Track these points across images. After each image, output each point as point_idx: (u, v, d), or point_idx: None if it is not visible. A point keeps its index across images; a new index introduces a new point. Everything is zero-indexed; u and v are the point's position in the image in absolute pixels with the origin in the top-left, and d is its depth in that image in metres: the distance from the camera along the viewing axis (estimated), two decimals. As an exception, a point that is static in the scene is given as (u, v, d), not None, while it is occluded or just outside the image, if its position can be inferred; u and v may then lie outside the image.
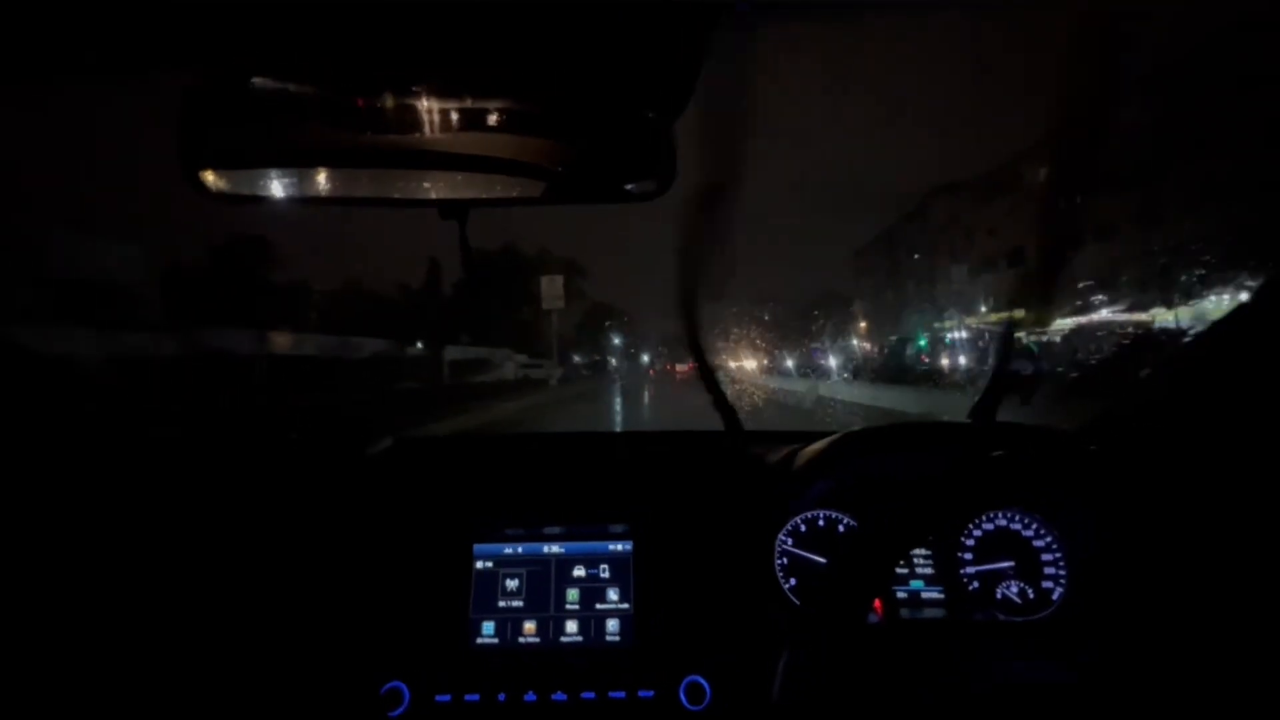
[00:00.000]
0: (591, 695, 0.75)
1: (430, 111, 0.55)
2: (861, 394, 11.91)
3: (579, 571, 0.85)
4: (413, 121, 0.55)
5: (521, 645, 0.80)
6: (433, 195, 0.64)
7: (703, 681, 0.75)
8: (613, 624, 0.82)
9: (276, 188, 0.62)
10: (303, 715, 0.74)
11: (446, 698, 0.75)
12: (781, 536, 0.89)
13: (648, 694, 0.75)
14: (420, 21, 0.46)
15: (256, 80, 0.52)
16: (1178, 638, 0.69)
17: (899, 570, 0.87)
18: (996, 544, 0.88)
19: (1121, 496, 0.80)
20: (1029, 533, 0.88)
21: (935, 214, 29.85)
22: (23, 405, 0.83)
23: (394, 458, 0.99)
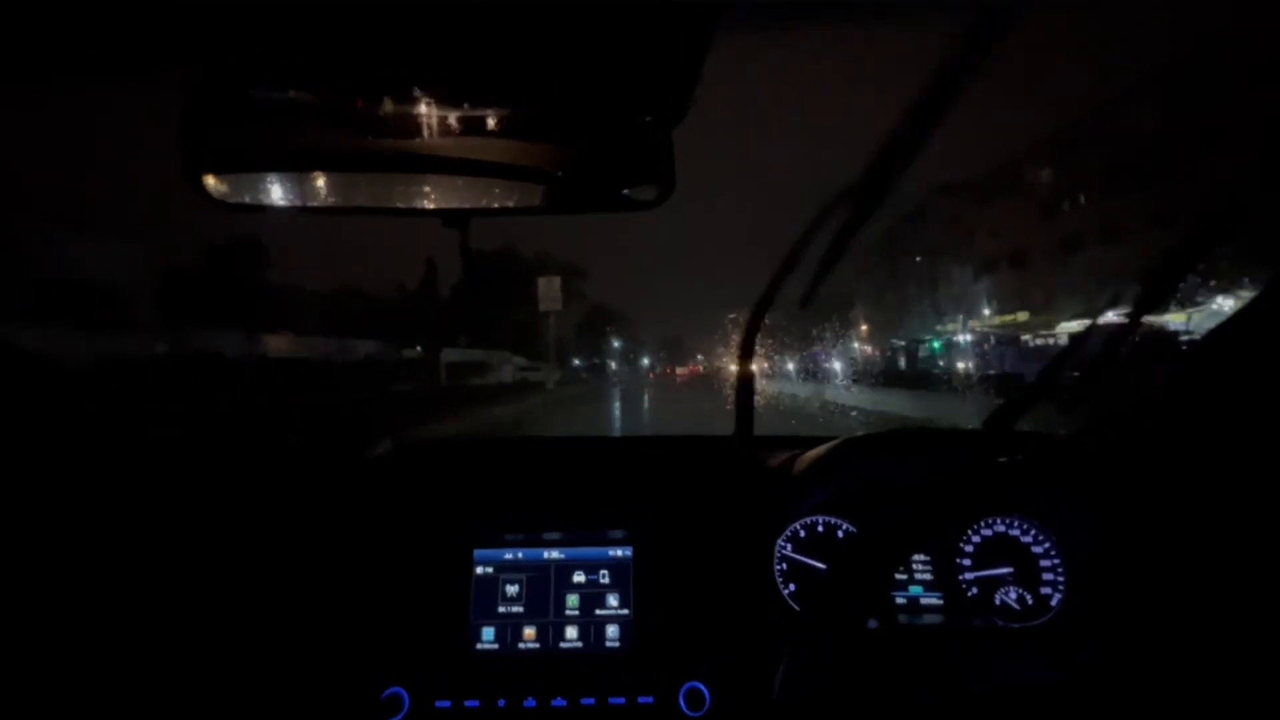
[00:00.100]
0: (591, 701, 0.76)
1: (433, 122, 0.56)
2: (880, 400, 11.42)
3: (579, 577, 0.85)
4: (416, 131, 0.56)
5: (521, 651, 0.81)
6: (435, 204, 0.65)
7: (702, 687, 0.76)
8: (612, 629, 0.82)
9: (280, 196, 0.63)
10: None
11: (446, 703, 0.75)
12: (781, 542, 0.90)
13: (647, 700, 0.76)
14: (423, 30, 0.47)
15: (259, 87, 0.53)
16: (1177, 642, 0.70)
17: (898, 576, 0.88)
18: (995, 550, 0.89)
19: (1120, 502, 0.80)
20: (1028, 539, 0.89)
21: (935, 214, 29.86)
22: (22, 406, 0.83)
23: (394, 462, 1.00)
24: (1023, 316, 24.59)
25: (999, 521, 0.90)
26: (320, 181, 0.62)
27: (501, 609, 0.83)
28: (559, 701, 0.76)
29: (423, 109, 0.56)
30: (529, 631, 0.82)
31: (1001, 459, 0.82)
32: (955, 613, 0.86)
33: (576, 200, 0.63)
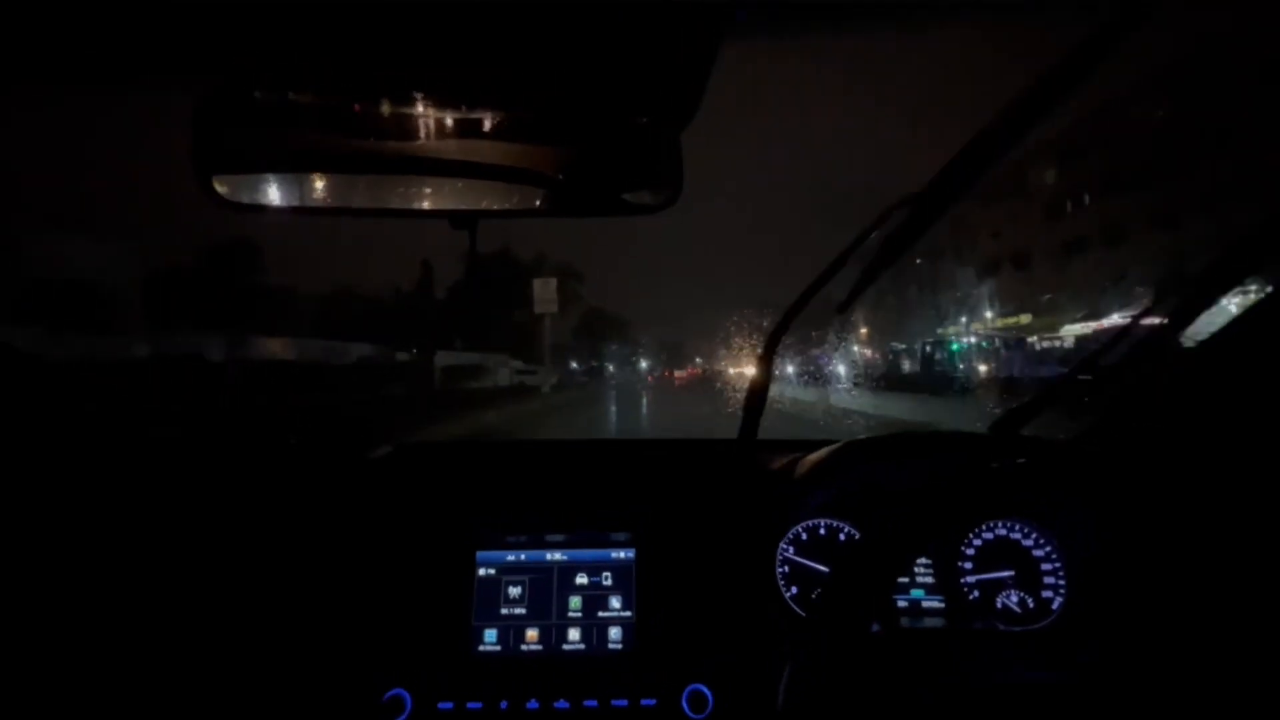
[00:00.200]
0: (594, 703, 0.77)
1: (444, 124, 0.57)
2: (899, 408, 10.53)
3: (581, 579, 0.86)
4: (427, 133, 0.58)
5: (524, 653, 0.82)
6: (444, 206, 0.66)
7: (705, 689, 0.77)
8: (615, 631, 0.83)
9: (289, 197, 0.64)
10: None
11: (449, 705, 0.76)
12: (783, 545, 0.91)
13: (650, 702, 0.77)
14: (433, 33, 0.48)
15: (272, 89, 0.54)
16: (1177, 645, 0.71)
17: (900, 579, 0.89)
18: (996, 553, 0.90)
19: (1121, 504, 0.81)
20: (1029, 542, 0.91)
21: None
22: (21, 406, 0.84)
23: (394, 464, 1.01)
24: (1025, 319, 24.64)
25: (1000, 525, 0.91)
26: (330, 182, 0.63)
27: (504, 611, 0.84)
28: (561, 703, 0.76)
29: (433, 111, 0.57)
30: (531, 633, 0.83)
31: (1002, 462, 0.83)
32: (957, 616, 0.87)
33: (585, 202, 0.64)
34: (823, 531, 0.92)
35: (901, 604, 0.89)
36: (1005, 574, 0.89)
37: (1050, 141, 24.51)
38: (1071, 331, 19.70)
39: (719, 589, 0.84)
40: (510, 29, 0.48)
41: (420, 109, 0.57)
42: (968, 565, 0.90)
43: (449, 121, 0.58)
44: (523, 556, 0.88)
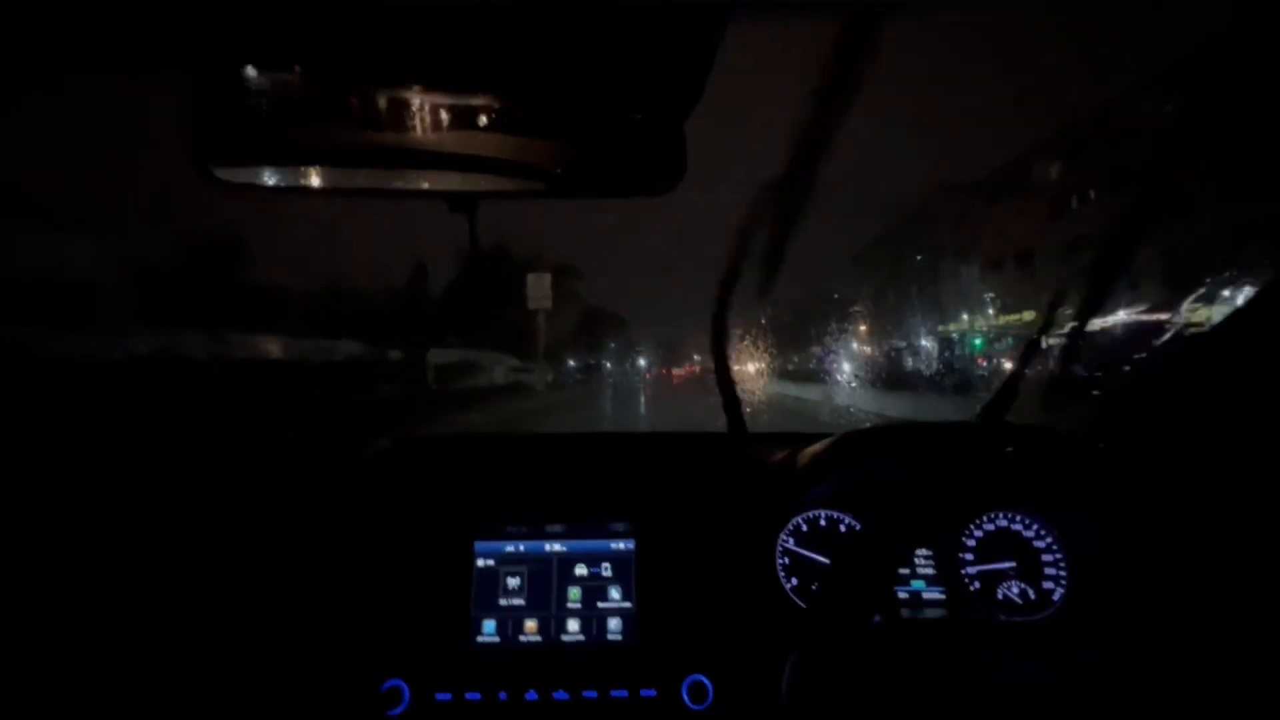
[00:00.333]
0: (593, 694, 0.78)
1: (442, 109, 0.58)
2: (924, 409, 9.91)
3: (581, 570, 0.88)
4: (425, 119, 0.58)
5: (523, 644, 0.83)
6: (442, 188, 0.67)
7: (705, 680, 0.78)
8: (615, 623, 0.84)
9: (285, 179, 0.65)
10: (303, 714, 0.77)
11: (447, 696, 0.77)
12: (783, 536, 0.92)
13: (650, 693, 0.78)
14: (431, 21, 0.49)
15: (267, 75, 0.55)
16: (1177, 637, 0.72)
17: (901, 570, 0.91)
18: (998, 544, 0.92)
19: (1123, 496, 0.83)
20: (1030, 533, 0.92)
21: (940, 214, 30.01)
22: (18, 406, 0.85)
23: (393, 457, 1.02)
24: (1029, 316, 24.71)
25: (1001, 516, 0.93)
26: (330, 167, 0.64)
27: (503, 602, 0.85)
28: (561, 694, 0.78)
29: (433, 98, 0.58)
30: (530, 624, 0.84)
31: (1003, 454, 0.85)
32: (957, 607, 0.89)
33: (586, 184, 0.65)
34: (823, 523, 0.93)
35: (903, 595, 0.90)
36: (1007, 565, 0.90)
37: (1055, 138, 24.59)
38: (1077, 328, 19.74)
39: (719, 580, 0.86)
40: (511, 16, 0.49)
41: (420, 96, 0.58)
42: (969, 557, 0.92)
43: (448, 108, 0.58)
44: (521, 547, 0.89)
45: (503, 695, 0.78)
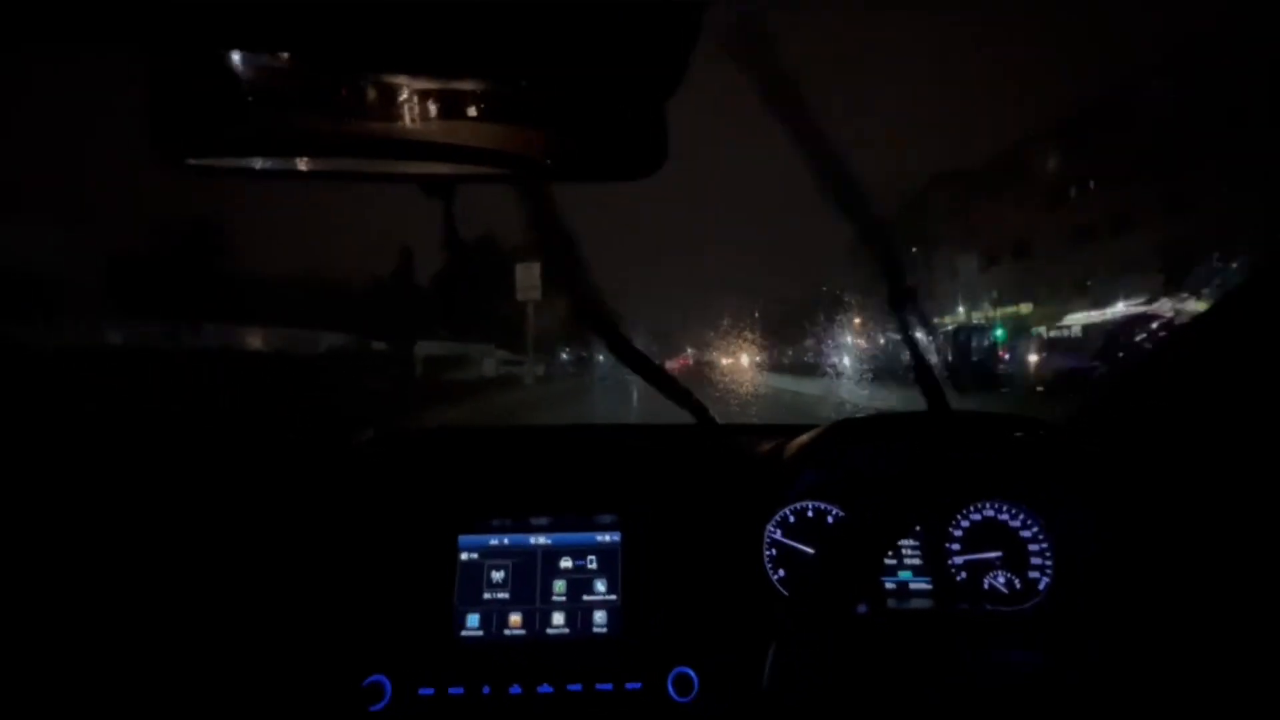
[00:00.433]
0: (578, 687, 0.78)
1: (416, 89, 0.57)
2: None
3: (566, 563, 0.88)
4: (398, 99, 0.57)
5: (507, 637, 0.83)
6: (416, 171, 0.65)
7: (690, 672, 0.79)
8: (600, 615, 0.85)
9: (254, 162, 0.63)
10: (282, 709, 0.77)
11: (430, 691, 0.77)
12: (770, 527, 0.93)
13: (635, 685, 0.79)
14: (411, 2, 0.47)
15: (234, 56, 0.53)
16: (1164, 626, 0.73)
17: (888, 561, 0.92)
18: (984, 535, 0.93)
19: (1110, 485, 0.84)
20: (1016, 523, 0.94)
21: (935, 205, 30.16)
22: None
23: (377, 449, 1.01)
24: (1026, 309, 24.93)
25: (988, 506, 0.94)
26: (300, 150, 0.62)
27: (487, 595, 0.85)
28: (545, 688, 0.78)
29: (408, 81, 0.56)
30: (515, 618, 0.84)
31: (991, 443, 0.85)
32: (944, 597, 0.90)
33: (564, 169, 0.64)
34: (810, 514, 0.94)
35: (889, 586, 0.91)
36: (993, 555, 0.92)
37: (1054, 127, 24.70)
38: (1074, 320, 19.85)
39: (705, 572, 0.86)
40: None
41: (393, 79, 0.56)
42: (955, 547, 0.93)
43: (422, 91, 0.57)
44: (506, 540, 0.89)
45: (486, 689, 0.78)
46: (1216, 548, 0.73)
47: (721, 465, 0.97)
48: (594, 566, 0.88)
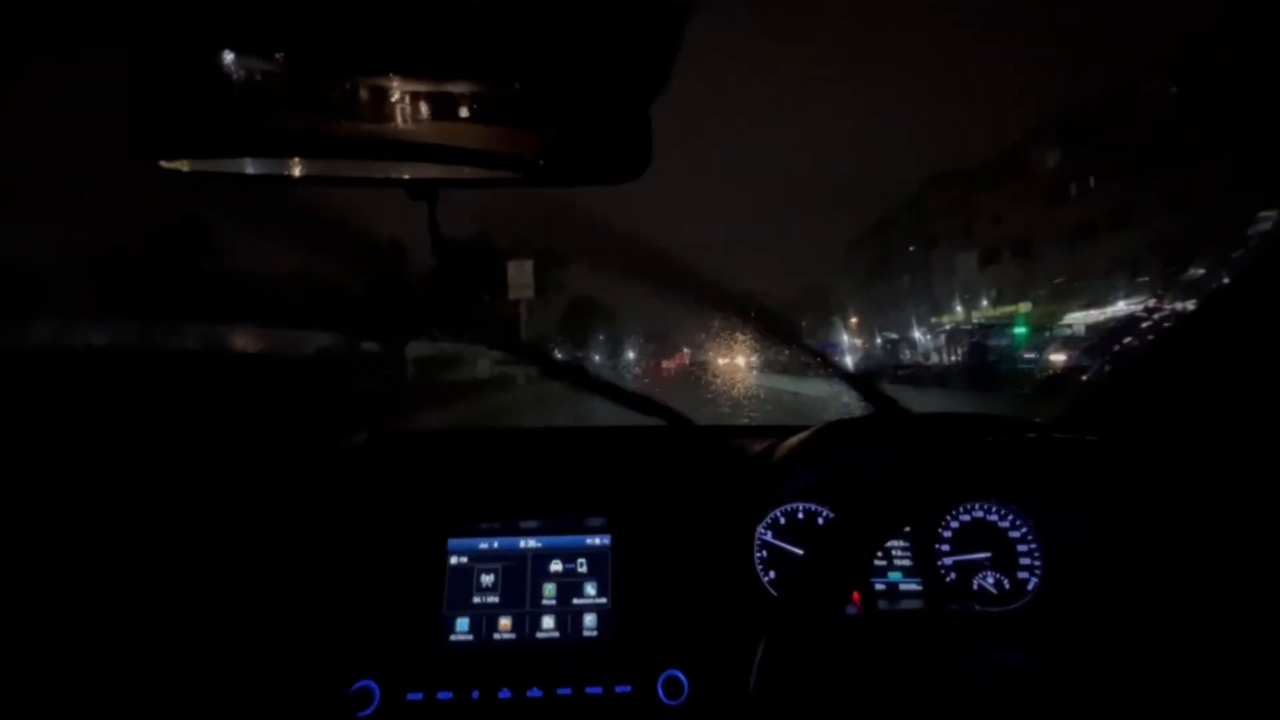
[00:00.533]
0: (568, 691, 0.79)
1: (401, 92, 0.57)
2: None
3: (556, 566, 0.88)
4: (383, 102, 0.57)
5: (497, 642, 0.84)
6: (399, 175, 0.65)
7: (680, 676, 0.79)
8: (590, 619, 0.85)
9: (238, 166, 0.63)
10: (270, 714, 0.77)
11: (418, 696, 0.77)
12: (761, 529, 0.94)
13: (625, 689, 0.79)
14: (395, 3, 0.47)
15: (219, 56, 0.53)
16: (1158, 624, 0.74)
17: (878, 562, 0.93)
18: (974, 535, 0.95)
19: (1103, 484, 0.85)
20: (1005, 524, 0.95)
21: (933, 203, 30.25)
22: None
23: (369, 452, 1.02)
24: (1024, 308, 25.04)
25: (978, 507, 0.96)
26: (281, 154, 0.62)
27: (476, 599, 0.86)
28: (535, 692, 0.78)
29: (393, 85, 0.57)
30: (504, 622, 0.85)
31: (981, 445, 0.86)
32: (934, 598, 0.91)
33: (548, 173, 0.65)
34: (801, 515, 0.95)
35: (880, 587, 0.92)
36: (982, 556, 0.93)
37: (1053, 122, 24.77)
38: (1074, 319, 19.89)
39: (696, 574, 0.87)
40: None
41: (377, 81, 0.57)
42: (945, 548, 0.94)
43: (406, 94, 0.57)
44: (496, 544, 0.89)
45: (475, 694, 0.78)
46: (1213, 544, 0.74)
47: (712, 467, 0.98)
48: (584, 570, 0.88)
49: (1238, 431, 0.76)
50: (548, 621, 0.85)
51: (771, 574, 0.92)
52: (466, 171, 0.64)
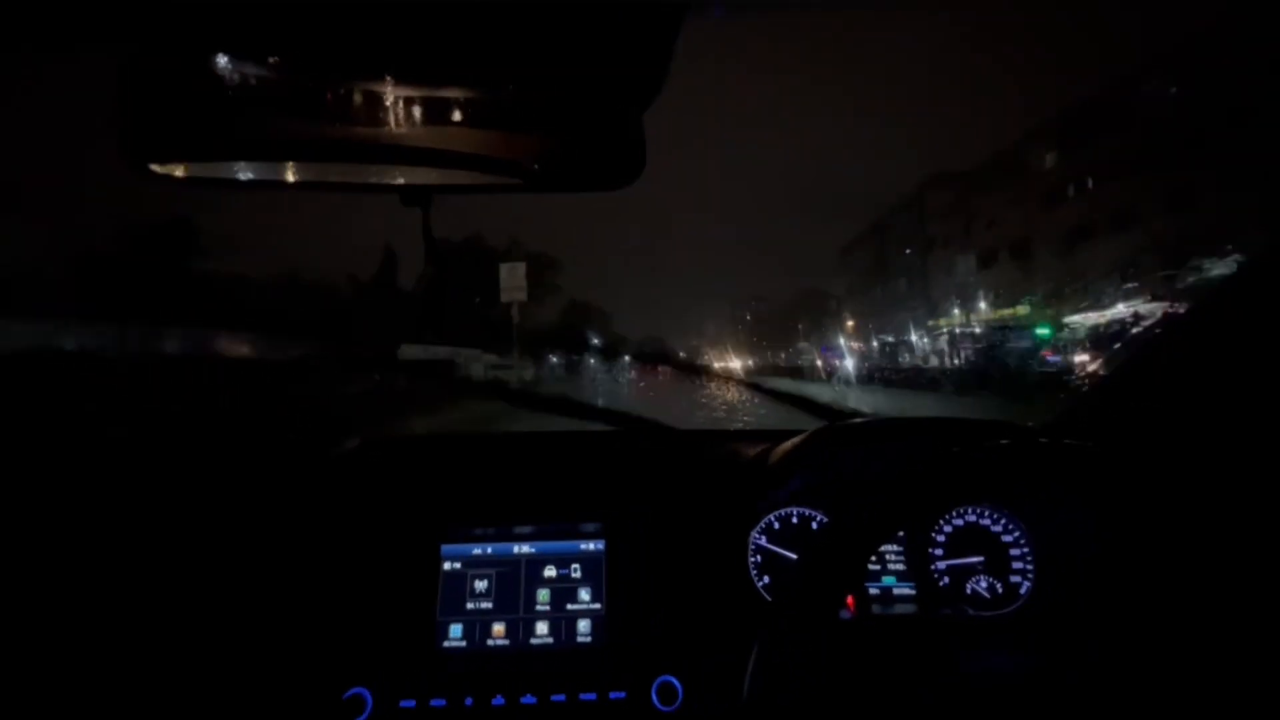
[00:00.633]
0: (562, 698, 0.79)
1: (396, 97, 0.58)
2: None
3: (550, 571, 0.89)
4: (378, 107, 0.58)
5: (490, 648, 0.84)
6: (393, 180, 0.66)
7: (675, 682, 0.80)
8: (584, 624, 0.86)
9: (228, 170, 0.64)
10: None
11: (411, 703, 0.78)
12: (755, 534, 0.94)
13: (619, 695, 0.80)
14: (383, 6, 0.48)
15: (212, 59, 0.54)
16: (1150, 628, 0.75)
17: (871, 566, 0.94)
18: (967, 540, 0.96)
19: (1098, 487, 0.86)
20: (997, 528, 0.96)
21: (929, 206, 30.41)
22: None
23: (361, 458, 1.02)
24: (1022, 310, 25.19)
25: (970, 511, 0.97)
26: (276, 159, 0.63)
27: (470, 605, 0.86)
28: (528, 699, 0.79)
29: (388, 90, 0.57)
30: (498, 628, 0.85)
31: (974, 448, 0.87)
32: (927, 602, 0.93)
33: (541, 179, 0.65)
34: (795, 520, 0.96)
35: (874, 591, 0.93)
36: (975, 560, 0.94)
37: (1051, 123, 24.95)
38: (1071, 321, 19.96)
39: (690, 580, 0.88)
40: (463, 4, 0.49)
41: (371, 86, 0.57)
42: (938, 552, 0.95)
43: (400, 99, 0.58)
44: (489, 549, 0.90)
45: (469, 701, 0.78)
46: (1210, 545, 0.75)
47: (707, 471, 0.99)
48: (578, 575, 0.89)
49: (1234, 433, 0.77)
50: (541, 627, 0.86)
51: (766, 579, 0.92)
52: (461, 176, 0.65)
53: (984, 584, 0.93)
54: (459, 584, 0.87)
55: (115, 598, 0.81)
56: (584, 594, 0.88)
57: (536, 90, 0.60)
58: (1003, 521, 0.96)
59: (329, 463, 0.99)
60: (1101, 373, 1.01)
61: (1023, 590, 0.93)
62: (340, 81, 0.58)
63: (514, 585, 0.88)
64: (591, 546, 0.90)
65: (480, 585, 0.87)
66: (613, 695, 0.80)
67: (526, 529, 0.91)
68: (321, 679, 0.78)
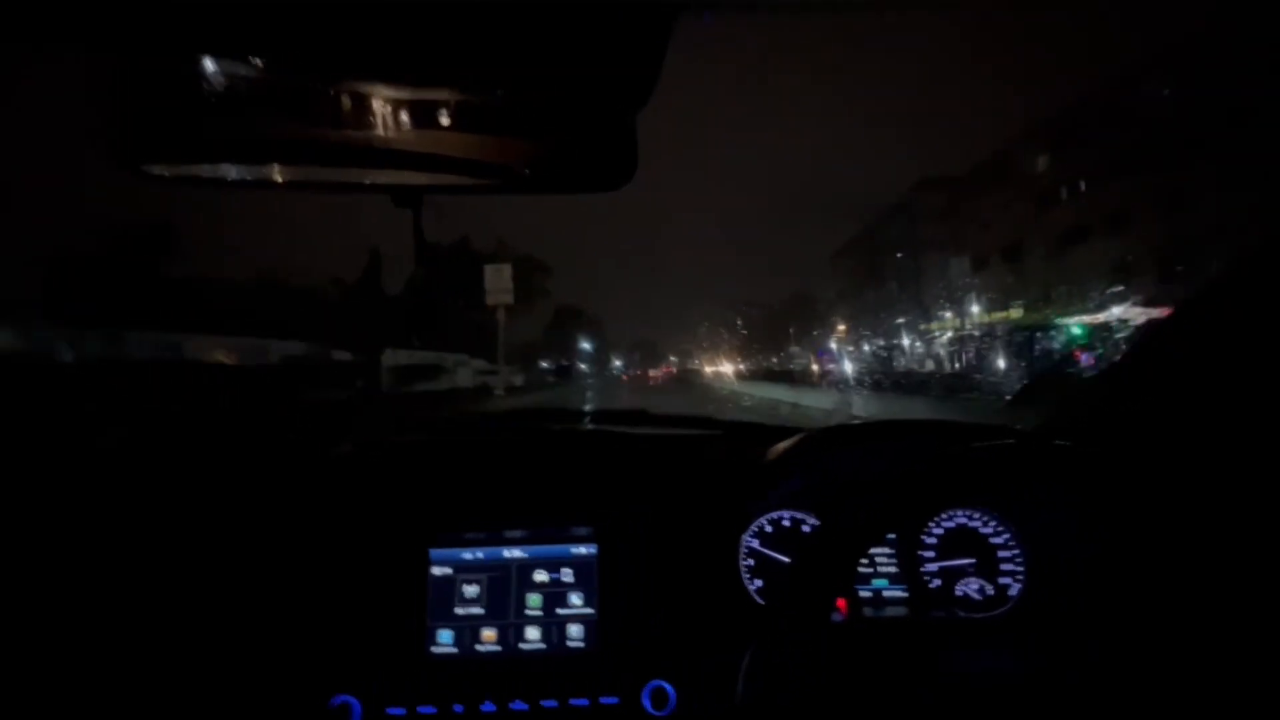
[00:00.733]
0: (553, 703, 0.80)
1: (386, 98, 0.59)
2: None
3: (541, 576, 0.89)
4: (368, 107, 0.59)
5: (480, 654, 0.84)
6: (384, 181, 0.67)
7: (667, 686, 0.81)
8: (575, 629, 0.86)
9: (217, 171, 0.64)
10: None
11: (400, 710, 0.78)
12: (747, 537, 0.95)
13: (611, 700, 0.80)
14: (375, 7, 0.49)
15: (203, 59, 0.55)
16: (1145, 629, 0.77)
17: (863, 569, 0.95)
18: (957, 542, 0.97)
19: (1087, 491, 0.88)
20: (987, 530, 0.98)
21: (921, 209, 30.67)
22: None
23: (354, 461, 1.03)
24: (1016, 313, 25.44)
25: (960, 513, 0.98)
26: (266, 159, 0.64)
27: (459, 610, 0.86)
28: (519, 705, 0.79)
29: (379, 91, 0.58)
30: (488, 633, 0.85)
31: (967, 450, 0.89)
32: (918, 605, 0.94)
33: (533, 180, 0.66)
34: (786, 523, 0.97)
35: (865, 594, 0.95)
36: (966, 562, 0.95)
37: (1043, 125, 25.24)
38: (1069, 324, 20.04)
39: (683, 583, 0.88)
40: (453, 6, 0.50)
41: (363, 87, 0.58)
42: (929, 554, 0.97)
43: (392, 100, 0.59)
44: (480, 554, 0.90)
45: (458, 708, 0.78)
46: (1207, 546, 0.77)
47: (699, 473, 0.99)
48: (570, 579, 0.89)
49: (1229, 434, 0.79)
50: (532, 633, 0.86)
51: (758, 582, 0.93)
52: (453, 178, 0.66)
53: (974, 586, 0.94)
54: (448, 589, 0.87)
55: (103, 601, 0.80)
56: (575, 598, 0.88)
57: (529, 91, 0.61)
58: (993, 523, 0.98)
59: (318, 467, 0.99)
60: (1094, 373, 1.03)
61: (1013, 592, 0.94)
62: (332, 82, 0.58)
63: (504, 590, 0.88)
64: (583, 550, 0.91)
65: (470, 590, 0.87)
66: (604, 700, 0.80)
67: (517, 533, 0.91)
68: (308, 686, 0.78)
